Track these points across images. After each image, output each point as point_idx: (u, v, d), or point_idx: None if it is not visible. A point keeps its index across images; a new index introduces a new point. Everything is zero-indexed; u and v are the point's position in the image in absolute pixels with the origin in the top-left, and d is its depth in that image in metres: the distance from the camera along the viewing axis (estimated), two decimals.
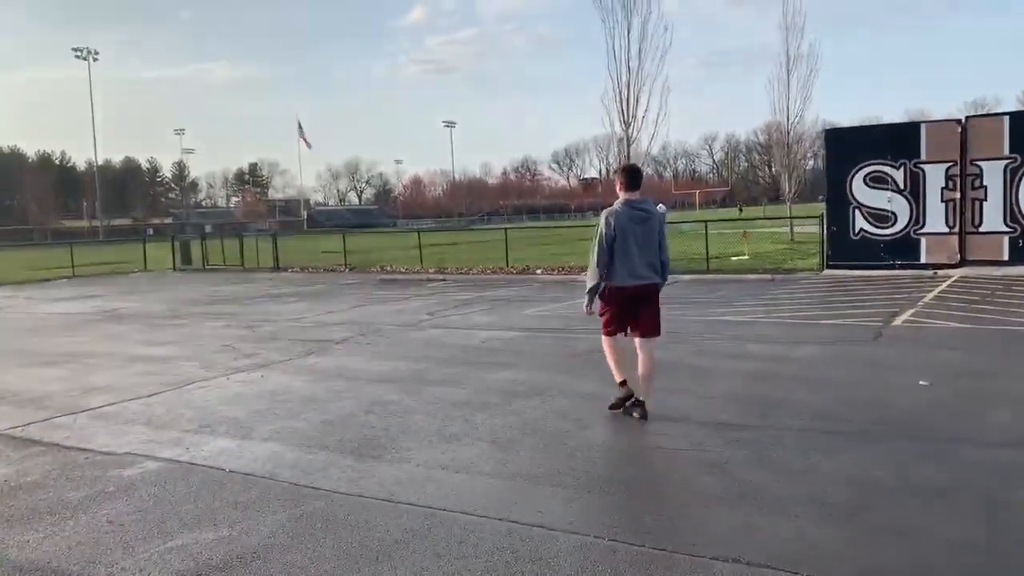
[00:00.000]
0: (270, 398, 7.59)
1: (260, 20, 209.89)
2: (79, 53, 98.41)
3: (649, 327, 6.46)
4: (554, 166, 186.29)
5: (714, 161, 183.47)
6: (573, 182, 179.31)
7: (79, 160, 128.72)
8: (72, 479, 5.35)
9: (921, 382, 7.17)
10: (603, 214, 6.40)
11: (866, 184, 18.15)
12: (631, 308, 6.43)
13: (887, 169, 17.90)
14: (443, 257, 28.76)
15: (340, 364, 9.24)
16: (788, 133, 32.28)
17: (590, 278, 6.43)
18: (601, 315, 6.57)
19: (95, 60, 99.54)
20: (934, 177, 17.51)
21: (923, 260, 17.65)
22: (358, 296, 17.65)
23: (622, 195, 6.41)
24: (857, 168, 18.22)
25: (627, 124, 22.32)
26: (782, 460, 5.19)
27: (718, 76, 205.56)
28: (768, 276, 17.74)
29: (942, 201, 17.49)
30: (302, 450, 5.82)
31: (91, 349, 11.16)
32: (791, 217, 31.77)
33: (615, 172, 6.89)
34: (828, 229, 18.70)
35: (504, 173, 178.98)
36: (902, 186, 17.73)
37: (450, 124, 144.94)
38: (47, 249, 48.17)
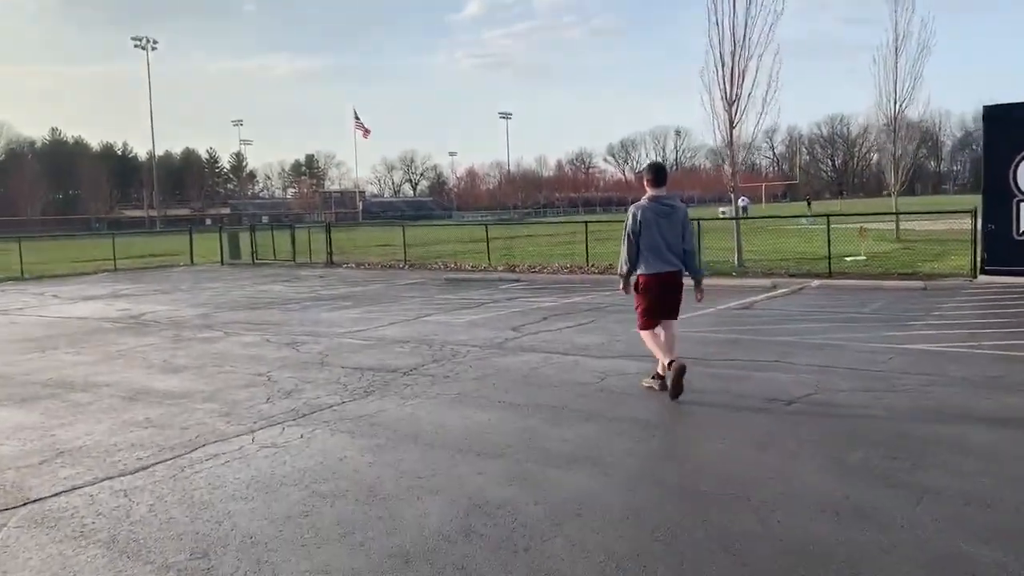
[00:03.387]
0: (310, 487, 4.88)
1: (320, 13, 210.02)
2: (138, 43, 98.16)
3: (672, 312, 7.08)
4: (609, 159, 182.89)
5: (774, 154, 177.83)
6: (628, 175, 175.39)
7: (140, 151, 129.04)
8: None
9: None
10: (630, 208, 7.04)
11: None
12: (663, 296, 6.95)
13: None
14: (510, 252, 26.04)
15: (412, 415, 6.52)
16: (895, 118, 28.79)
17: (621, 266, 7.17)
18: (637, 308, 7.12)
19: (153, 49, 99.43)
20: None
21: None
22: (422, 300, 14.98)
23: (649, 191, 7.00)
24: None
25: (730, 103, 19.20)
26: None
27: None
28: (919, 283, 14.57)
29: None
30: None
31: (87, 375, 8.65)
32: (897, 213, 28.27)
33: (643, 169, 7.71)
34: (984, 227, 15.44)
35: (559, 166, 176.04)
36: None
37: (506, 115, 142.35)
38: (101, 239, 46.57)
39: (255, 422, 6.47)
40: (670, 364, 6.71)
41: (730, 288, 15.31)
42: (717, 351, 8.81)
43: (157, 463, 5.48)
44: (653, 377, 7.07)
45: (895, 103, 28.34)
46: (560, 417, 6.28)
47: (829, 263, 17.12)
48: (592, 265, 20.06)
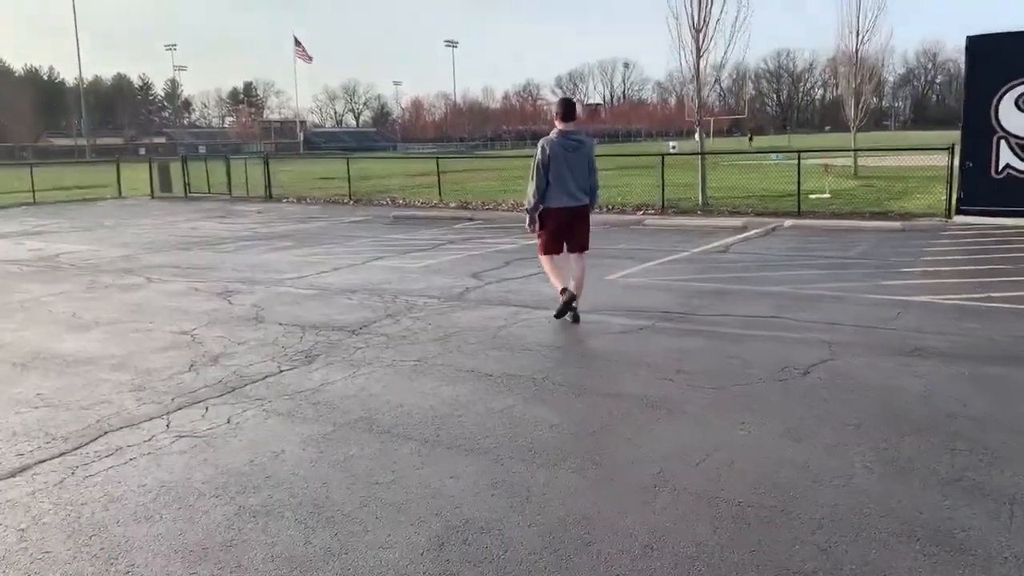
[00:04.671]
0: (236, 500, 3.81)
1: None
2: None
3: (581, 243, 7.28)
4: (557, 91, 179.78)
5: (721, 88, 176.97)
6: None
7: (68, 76, 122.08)
8: None
9: None
10: (540, 143, 7.11)
11: (1019, 108, 14.14)
12: (567, 227, 7.17)
13: None
14: (463, 188, 24.76)
15: (364, 390, 5.45)
16: (856, 51, 27.93)
17: (529, 200, 7.16)
18: (539, 236, 7.29)
19: None
20: None
21: None
22: (370, 241, 13.78)
23: (558, 125, 7.12)
24: (1008, 87, 14.14)
25: (697, 29, 18.01)
26: None
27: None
28: (896, 224, 13.86)
29: None
30: None
31: None
32: (856, 149, 27.77)
33: (556, 104, 7.44)
34: (962, 165, 14.72)
35: (506, 97, 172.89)
36: None
37: (452, 44, 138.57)
38: (25, 170, 43.73)
39: (172, 399, 5.34)
40: (563, 291, 7.09)
41: (699, 228, 14.43)
42: (705, 304, 7.88)
43: (42, 461, 4.35)
44: (566, 305, 7.20)
45: (857, 34, 27.48)
46: (543, 393, 5.28)
47: (798, 201, 16.34)
48: None
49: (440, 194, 21.66)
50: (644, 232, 14.30)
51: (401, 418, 4.86)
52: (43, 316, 8.13)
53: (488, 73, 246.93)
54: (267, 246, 13.39)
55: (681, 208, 17.36)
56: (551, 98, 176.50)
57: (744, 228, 14.01)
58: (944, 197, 15.21)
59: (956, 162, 14.91)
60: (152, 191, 27.23)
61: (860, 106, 28.28)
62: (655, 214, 16.68)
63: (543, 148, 7.00)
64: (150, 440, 4.61)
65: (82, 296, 9.19)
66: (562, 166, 6.97)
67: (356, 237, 14.40)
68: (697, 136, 45.99)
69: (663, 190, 17.71)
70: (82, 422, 4.93)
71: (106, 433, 4.74)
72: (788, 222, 14.49)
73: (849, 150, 26.76)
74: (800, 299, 8.01)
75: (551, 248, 7.23)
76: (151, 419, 4.96)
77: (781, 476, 3.91)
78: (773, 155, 27.23)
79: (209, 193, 25.91)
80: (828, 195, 19.42)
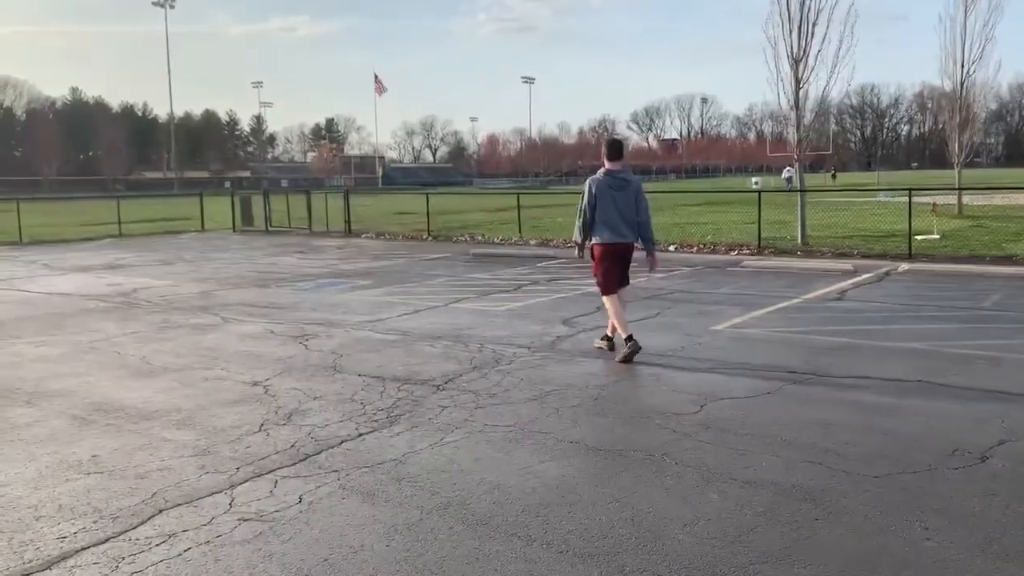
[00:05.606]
0: None
1: None
2: (157, 1, 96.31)
3: (623, 280, 7.53)
4: (633, 126, 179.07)
5: (803, 124, 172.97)
6: (652, 143, 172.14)
7: (160, 112, 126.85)
8: None
9: None
10: (587, 181, 7.44)
11: None
12: (616, 262, 7.39)
13: None
14: (541, 223, 24.17)
15: (453, 463, 4.71)
16: (961, 84, 26.42)
17: (576, 234, 7.53)
18: (596, 275, 7.56)
19: (172, 8, 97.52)
20: None
21: None
22: (450, 280, 13.16)
23: (606, 164, 7.35)
24: None
25: (797, 60, 17.04)
26: None
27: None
28: None
29: None
30: None
31: (42, 379, 6.89)
32: (960, 188, 26.26)
33: (604, 144, 7.65)
34: None
35: (581, 133, 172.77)
36: None
37: (529, 80, 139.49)
38: (114, 202, 44.96)
39: (239, 468, 4.69)
40: (629, 339, 7.13)
41: (803, 271, 13.37)
42: (835, 363, 6.93)
43: (84, 548, 3.72)
44: (602, 339, 7.62)
45: (962, 67, 26.01)
46: (664, 476, 4.45)
47: (909, 242, 15.15)
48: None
49: (520, 231, 21.06)
50: (743, 275, 13.33)
51: (499, 504, 4.09)
52: (111, 360, 7.66)
53: (564, 108, 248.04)
54: (346, 284, 12.89)
55: (779, 248, 16.30)
56: (626, 133, 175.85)
57: (854, 272, 12.91)
58: None
59: None
60: (234, 224, 27.37)
61: (966, 141, 26.76)
62: (751, 254, 15.68)
63: (589, 187, 7.29)
64: (209, 524, 3.94)
65: (155, 337, 8.74)
66: (609, 204, 7.21)
67: (436, 276, 13.80)
68: (786, 173, 44.22)
69: (759, 228, 16.69)
70: (136, 495, 4.31)
71: (161, 512, 4.10)
72: (903, 266, 13.31)
73: (976, 188, 25.13)
74: (946, 359, 6.98)
75: (611, 286, 7.37)
76: (212, 494, 4.31)
77: None
78: (882, 194, 25.80)
79: (289, 227, 25.88)
80: (937, 236, 18.05)
